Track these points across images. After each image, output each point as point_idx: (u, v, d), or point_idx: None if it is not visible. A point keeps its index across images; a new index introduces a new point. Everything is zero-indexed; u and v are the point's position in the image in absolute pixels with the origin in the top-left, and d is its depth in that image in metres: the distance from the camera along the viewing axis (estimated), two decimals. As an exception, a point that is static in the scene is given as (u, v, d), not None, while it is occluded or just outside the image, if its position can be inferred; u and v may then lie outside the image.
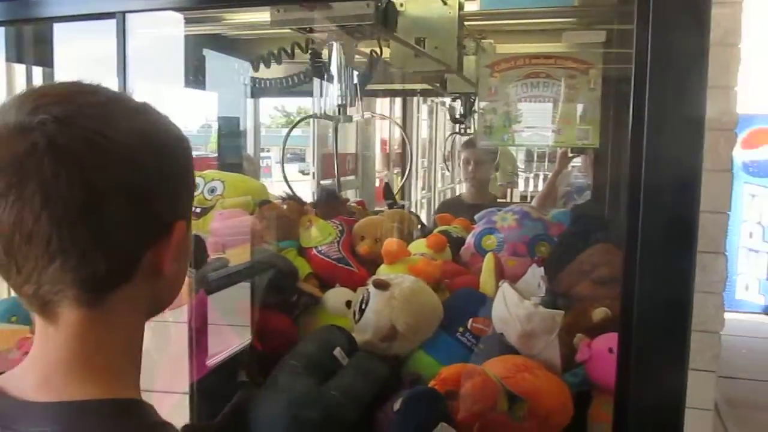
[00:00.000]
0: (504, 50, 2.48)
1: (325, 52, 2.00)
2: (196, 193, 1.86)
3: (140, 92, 0.72)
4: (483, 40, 2.42)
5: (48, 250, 0.59)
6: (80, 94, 0.63)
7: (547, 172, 5.83)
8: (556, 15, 2.28)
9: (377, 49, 2.05)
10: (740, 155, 5.52)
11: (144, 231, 0.64)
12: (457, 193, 4.66)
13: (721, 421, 3.69)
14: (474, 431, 1.24)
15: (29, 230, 0.58)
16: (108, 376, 0.66)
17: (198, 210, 2.05)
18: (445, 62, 2.10)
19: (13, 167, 0.58)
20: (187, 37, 2.04)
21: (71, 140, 0.58)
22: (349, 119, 2.14)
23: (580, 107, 2.06)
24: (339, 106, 2.03)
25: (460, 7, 2.10)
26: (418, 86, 4.01)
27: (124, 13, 1.27)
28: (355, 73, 2.05)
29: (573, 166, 3.35)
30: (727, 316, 3.65)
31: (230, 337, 1.82)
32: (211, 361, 1.79)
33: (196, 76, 2.67)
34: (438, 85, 2.81)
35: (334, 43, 1.89)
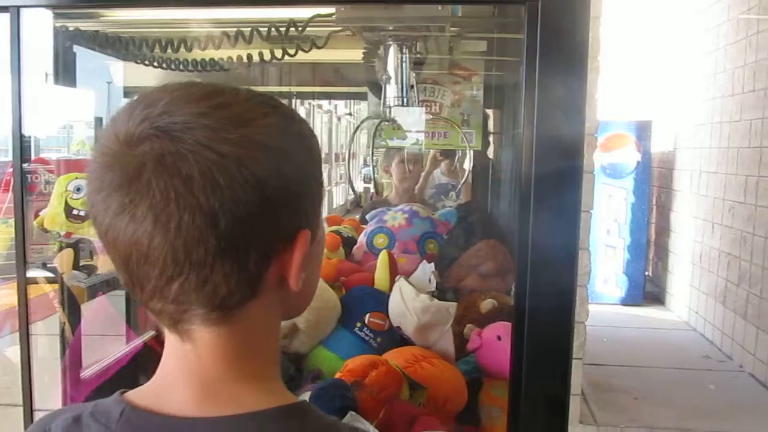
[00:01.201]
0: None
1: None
2: (78, 196, 1.80)
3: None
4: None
5: (165, 271, 0.56)
6: (189, 102, 0.58)
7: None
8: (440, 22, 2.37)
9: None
10: (599, 158, 5.95)
11: (265, 247, 0.59)
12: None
13: (587, 405, 3.98)
14: (380, 418, 1.30)
15: (145, 251, 0.56)
16: (269, 383, 0.65)
17: (82, 213, 1.98)
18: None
19: (124, 188, 0.56)
20: (57, 32, 1.97)
21: (179, 158, 0.55)
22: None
23: (465, 112, 2.17)
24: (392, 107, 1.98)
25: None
26: (295, 89, 4.03)
27: (18, 7, 1.22)
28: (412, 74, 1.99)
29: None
30: (589, 307, 3.95)
31: (115, 344, 1.78)
32: (98, 370, 1.75)
33: (65, 73, 2.55)
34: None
35: (392, 44, 1.85)
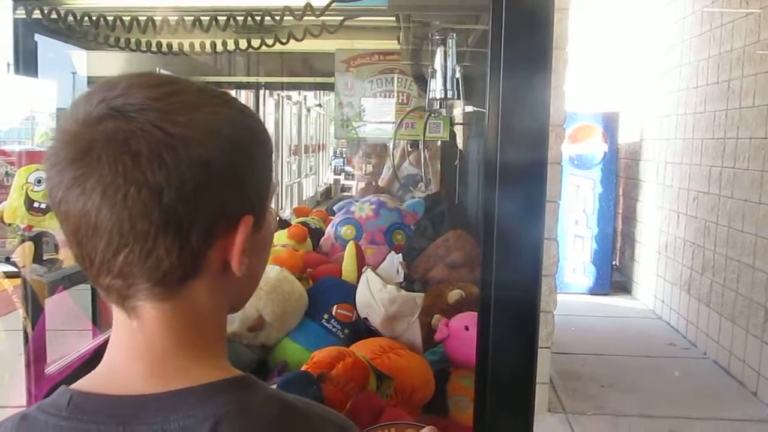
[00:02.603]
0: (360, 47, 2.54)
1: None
2: (39, 188, 1.76)
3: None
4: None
5: (111, 243, 0.59)
6: (145, 87, 0.62)
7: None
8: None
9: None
10: (567, 150, 6.00)
11: (207, 225, 0.62)
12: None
13: (555, 393, 4.03)
14: (346, 409, 1.29)
15: (93, 222, 0.59)
16: (216, 360, 0.67)
17: (43, 206, 1.94)
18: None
19: (76, 162, 0.59)
20: (16, 21, 1.92)
21: (130, 135, 0.58)
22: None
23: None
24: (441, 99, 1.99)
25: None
26: (263, 79, 3.99)
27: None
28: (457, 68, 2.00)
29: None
30: (558, 297, 4.00)
31: (79, 340, 1.75)
32: (62, 366, 1.71)
33: (26, 63, 2.49)
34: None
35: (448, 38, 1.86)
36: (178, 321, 0.64)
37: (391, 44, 2.41)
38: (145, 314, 0.63)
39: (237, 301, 0.73)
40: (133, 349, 0.65)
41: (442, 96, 2.04)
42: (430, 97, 2.09)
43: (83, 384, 0.65)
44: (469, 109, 2.39)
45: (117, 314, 0.65)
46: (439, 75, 2.01)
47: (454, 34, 1.97)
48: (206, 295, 0.65)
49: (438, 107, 2.14)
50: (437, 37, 1.96)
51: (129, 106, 0.60)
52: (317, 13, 1.76)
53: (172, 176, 0.59)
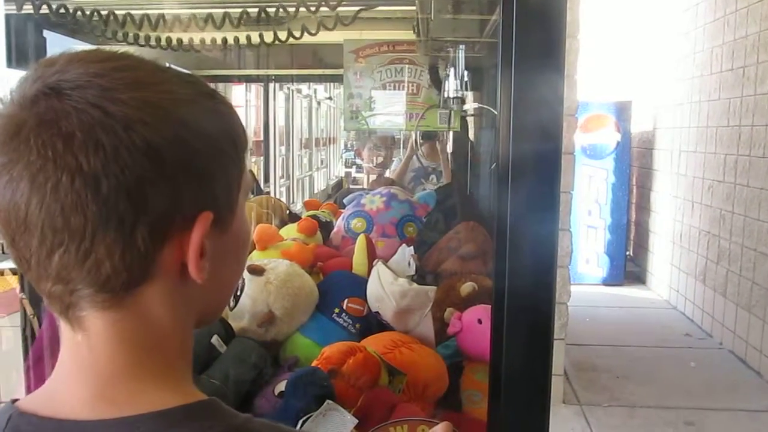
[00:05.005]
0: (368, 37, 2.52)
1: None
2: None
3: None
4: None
5: (45, 242, 0.52)
6: (87, 62, 0.54)
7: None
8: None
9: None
10: (579, 139, 5.96)
11: (156, 223, 0.53)
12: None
13: (569, 384, 4.00)
14: (358, 405, 1.28)
15: (23, 216, 0.51)
16: (172, 381, 0.58)
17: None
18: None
19: (4, 147, 0.51)
20: (19, 16, 1.92)
21: (62, 115, 0.50)
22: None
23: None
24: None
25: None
26: (273, 72, 3.97)
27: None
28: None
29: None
30: (571, 288, 3.97)
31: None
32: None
33: (36, 58, 2.50)
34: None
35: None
36: (128, 334, 0.56)
37: (401, 34, 2.38)
38: (90, 326, 0.55)
39: (204, 314, 0.63)
40: (77, 368, 0.56)
41: (456, 95, 2.14)
42: (444, 96, 2.17)
43: (28, 402, 0.57)
44: (476, 105, 2.44)
45: (62, 326, 0.57)
46: (451, 78, 2.12)
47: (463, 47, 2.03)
48: (161, 304, 0.56)
49: (452, 105, 2.22)
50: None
51: (65, 83, 0.52)
52: (332, 4, 1.74)
53: (111, 163, 0.50)
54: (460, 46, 2.06)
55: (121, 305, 0.55)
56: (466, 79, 2.11)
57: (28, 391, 1.37)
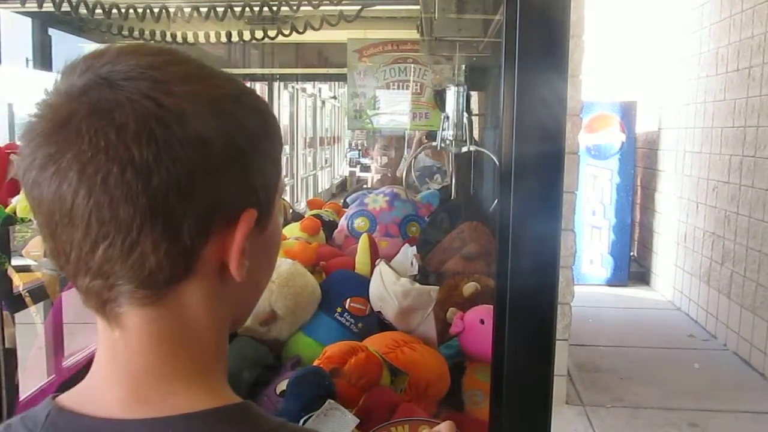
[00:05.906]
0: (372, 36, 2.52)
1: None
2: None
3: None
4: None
5: (89, 234, 0.50)
6: (138, 54, 0.54)
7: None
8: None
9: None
10: (583, 139, 5.94)
11: (203, 217, 0.52)
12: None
13: (573, 385, 3.99)
14: (359, 405, 1.27)
15: (69, 208, 0.50)
16: (208, 381, 0.57)
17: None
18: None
19: (53, 137, 0.50)
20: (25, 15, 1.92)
21: (115, 105, 0.50)
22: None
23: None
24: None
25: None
26: (277, 71, 3.97)
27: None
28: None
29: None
30: (575, 288, 3.96)
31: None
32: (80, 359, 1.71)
33: (41, 57, 2.50)
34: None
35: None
36: (165, 333, 0.55)
37: (405, 33, 2.38)
38: (127, 323, 0.54)
39: (237, 313, 0.63)
40: (114, 366, 0.56)
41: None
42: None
43: (66, 398, 0.57)
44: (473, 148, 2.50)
45: (99, 323, 0.57)
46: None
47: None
48: (200, 302, 0.56)
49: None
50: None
51: (117, 73, 0.51)
52: (335, 1, 1.74)
53: (163, 155, 0.50)
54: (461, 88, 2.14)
55: (160, 302, 0.54)
56: (465, 122, 2.15)
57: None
